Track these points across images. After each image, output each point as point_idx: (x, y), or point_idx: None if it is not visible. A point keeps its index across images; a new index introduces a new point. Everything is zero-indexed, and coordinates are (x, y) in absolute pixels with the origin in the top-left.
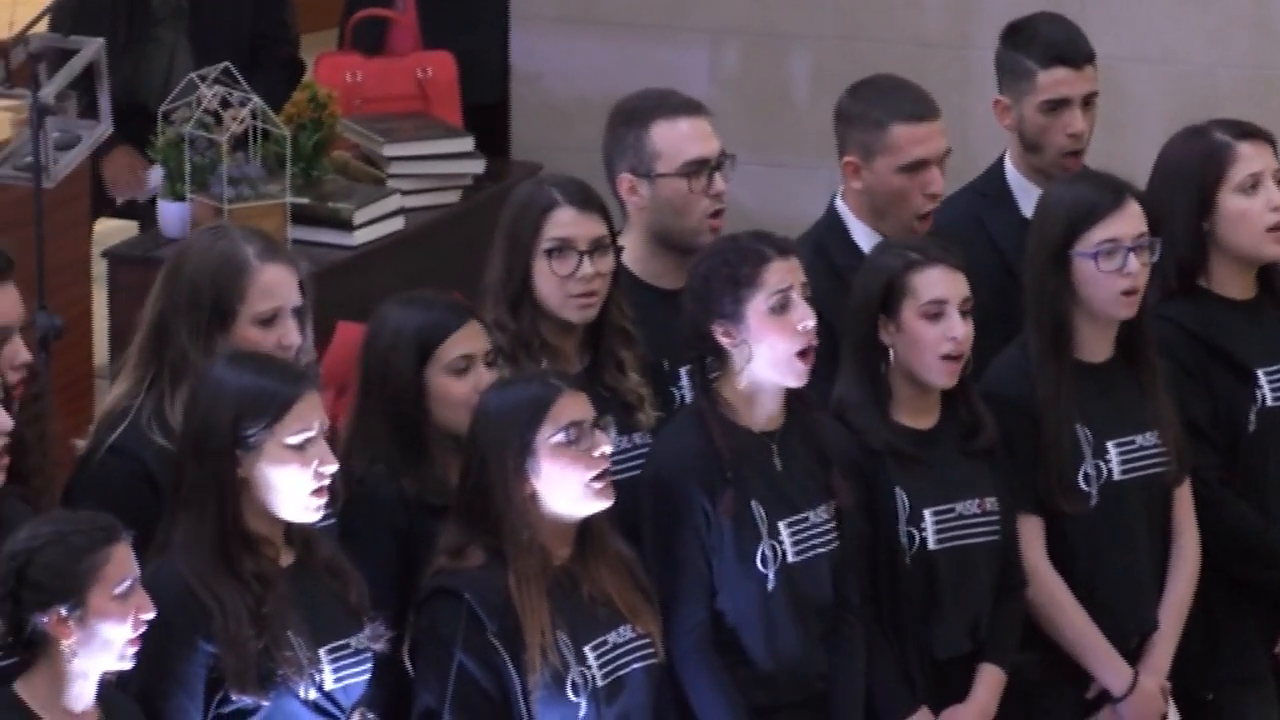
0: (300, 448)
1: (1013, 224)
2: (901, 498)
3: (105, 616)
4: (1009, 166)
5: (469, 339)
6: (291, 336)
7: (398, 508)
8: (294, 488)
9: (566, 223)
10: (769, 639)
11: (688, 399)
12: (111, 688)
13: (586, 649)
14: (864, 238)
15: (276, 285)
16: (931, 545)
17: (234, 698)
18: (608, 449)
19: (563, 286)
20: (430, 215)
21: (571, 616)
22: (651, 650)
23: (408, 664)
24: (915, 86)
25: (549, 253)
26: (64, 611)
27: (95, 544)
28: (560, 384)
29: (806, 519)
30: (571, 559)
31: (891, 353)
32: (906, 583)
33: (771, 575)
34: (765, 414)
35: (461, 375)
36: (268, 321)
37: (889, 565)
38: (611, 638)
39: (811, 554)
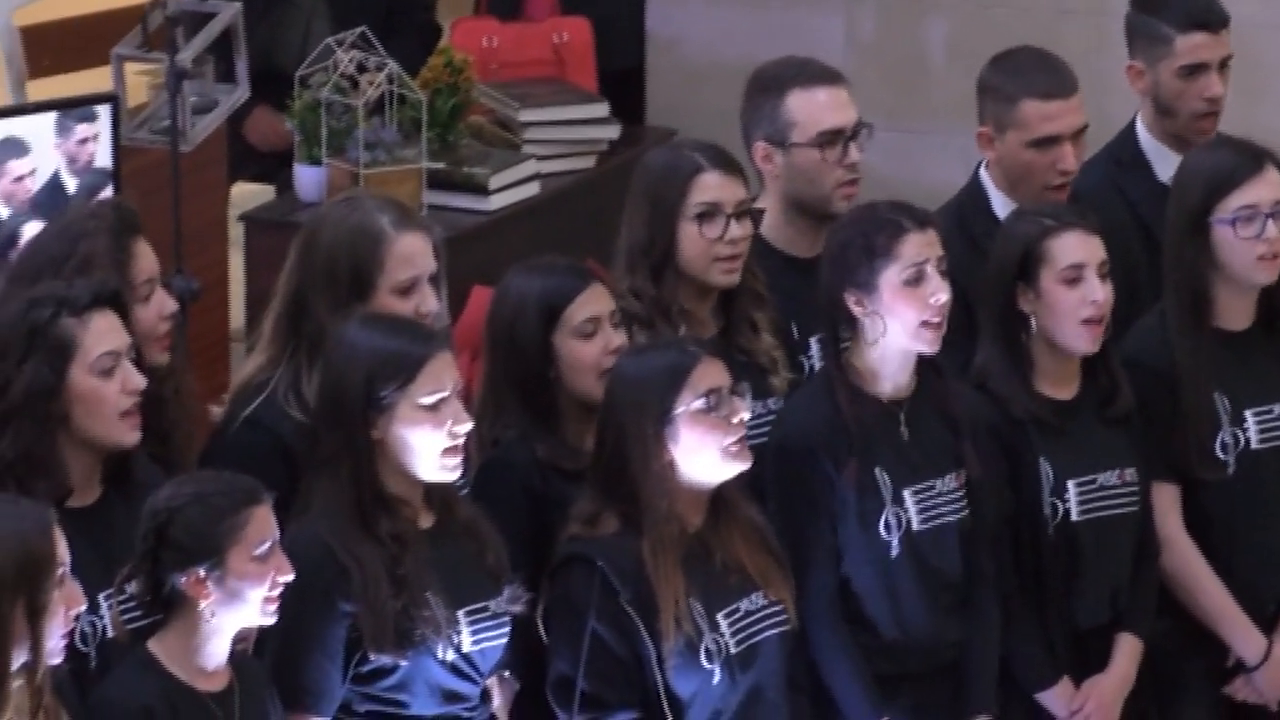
0: (434, 408)
1: (1150, 190)
2: (1046, 469)
3: (244, 577)
4: (1142, 131)
5: (594, 301)
6: (429, 304)
7: (530, 472)
8: (429, 448)
9: (714, 186)
10: (894, 607)
11: (817, 369)
12: (242, 650)
13: (719, 616)
14: (1002, 208)
15: (413, 254)
16: (1074, 517)
17: (372, 658)
18: (745, 415)
19: (710, 250)
20: (565, 180)
21: (705, 584)
22: (784, 617)
23: (541, 630)
24: (1056, 61)
25: (698, 217)
26: (203, 572)
27: (236, 505)
28: (698, 350)
29: (933, 487)
30: (704, 526)
31: (1032, 321)
32: (1049, 554)
33: (895, 543)
34: (894, 383)
35: (589, 338)
36: (406, 290)
37: (1031, 536)
38: (744, 605)
39: (938, 522)
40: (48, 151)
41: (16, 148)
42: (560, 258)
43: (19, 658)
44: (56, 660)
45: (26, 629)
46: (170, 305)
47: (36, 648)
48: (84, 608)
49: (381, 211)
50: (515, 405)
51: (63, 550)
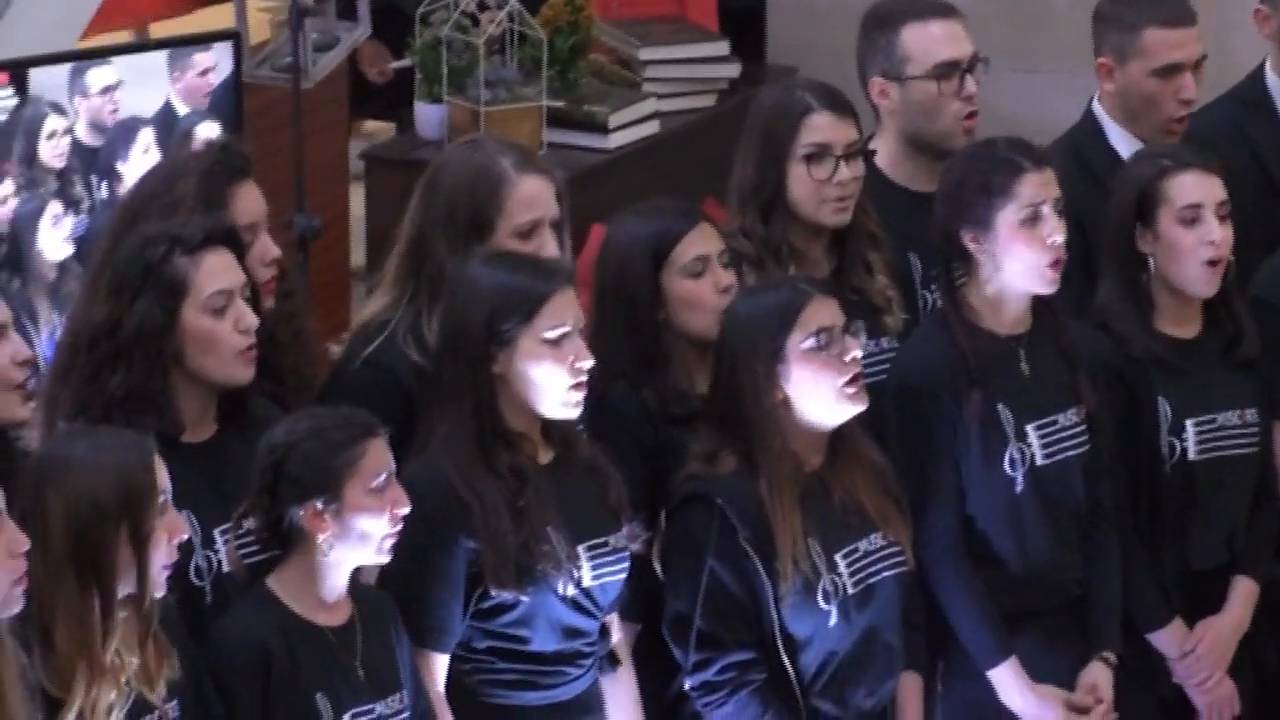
0: (556, 343)
1: (1272, 131)
2: (1164, 407)
3: (361, 511)
4: (1270, 75)
5: (702, 240)
6: (549, 248)
7: (641, 420)
8: (551, 383)
9: (823, 127)
10: (1019, 542)
11: (938, 304)
12: (362, 582)
13: (837, 557)
14: (1120, 141)
15: (535, 197)
16: (1192, 455)
17: (493, 593)
18: (858, 354)
19: (819, 191)
20: (685, 119)
21: (823, 524)
22: (902, 558)
23: (659, 569)
24: None
25: (807, 158)
26: (320, 505)
27: (352, 439)
28: (810, 289)
29: (1055, 422)
30: (823, 466)
31: (1151, 261)
32: (1165, 492)
33: (1020, 478)
34: (1011, 318)
35: (698, 277)
36: (525, 234)
37: (1148, 474)
38: (862, 545)
39: (1061, 457)
40: (162, 86)
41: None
42: (668, 199)
43: (124, 588)
44: (161, 591)
45: (131, 559)
46: (273, 251)
47: (142, 578)
48: (186, 535)
49: (504, 154)
50: (623, 350)
51: (164, 479)
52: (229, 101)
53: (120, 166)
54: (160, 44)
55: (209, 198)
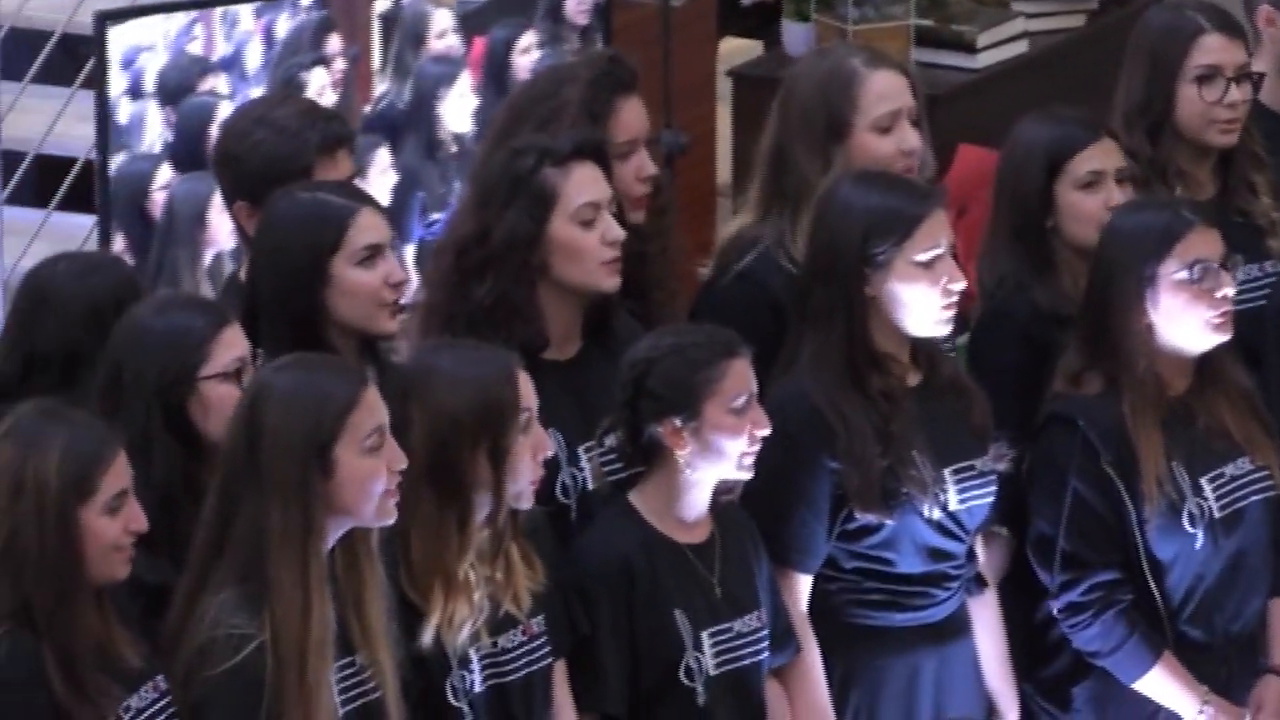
0: (929, 264)
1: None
2: None
3: (720, 430)
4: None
5: (1101, 155)
6: (910, 140)
7: (1030, 321)
8: (923, 304)
9: (1215, 49)
10: None
11: None
12: (728, 501)
13: (1203, 480)
14: None
15: (888, 90)
16: None
17: (858, 516)
18: (1229, 291)
19: (1208, 112)
20: (1054, 39)
21: (1188, 448)
22: (1270, 482)
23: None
24: None
25: (1198, 79)
26: (679, 422)
27: (714, 357)
28: (1193, 218)
29: None
30: (1189, 391)
31: None
32: None
33: None
34: None
35: (1091, 190)
36: (885, 129)
37: None
38: (1229, 470)
39: None
40: None
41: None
42: (1075, 109)
43: (483, 505)
44: (526, 505)
45: (490, 476)
46: (650, 168)
47: (498, 493)
48: (552, 452)
49: (853, 54)
50: (1011, 252)
51: (529, 396)
52: (600, 18)
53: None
54: None
55: (593, 107)
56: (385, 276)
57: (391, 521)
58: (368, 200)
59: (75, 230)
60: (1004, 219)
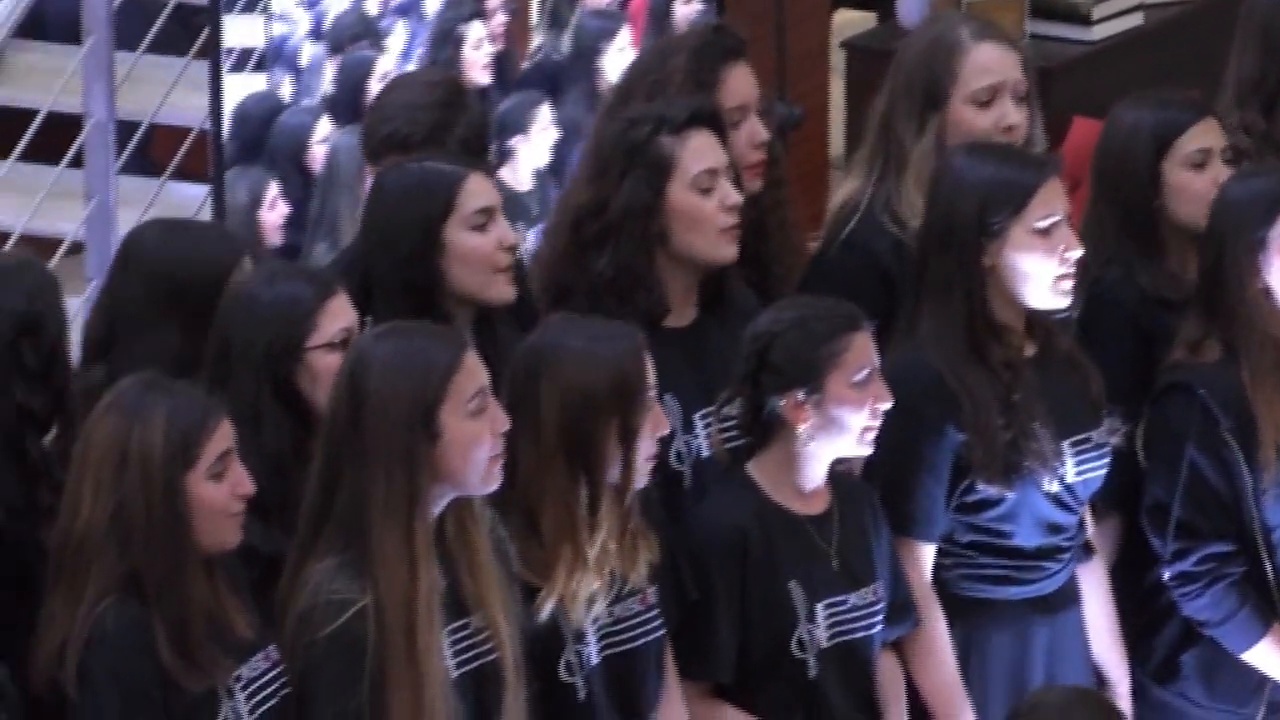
0: (1046, 233)
1: None
2: None
3: (842, 403)
4: None
5: (1207, 133)
6: (1010, 117)
7: (1137, 306)
8: (1041, 273)
9: None
10: None
11: None
12: (846, 471)
13: None
14: None
15: (991, 63)
16: None
17: (978, 487)
18: None
19: None
20: (1170, 11)
21: None
22: None
23: (1141, 458)
24: None
25: None
26: (801, 396)
27: (836, 330)
28: None
29: None
30: None
31: None
32: None
33: None
34: None
35: (1199, 169)
36: (984, 103)
37: None
38: None
39: None
40: None
41: None
42: (1175, 89)
43: (611, 479)
44: (643, 482)
45: (619, 451)
46: (761, 134)
47: (628, 469)
48: (669, 430)
49: (963, 24)
50: (1118, 235)
51: (651, 374)
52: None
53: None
54: None
55: (699, 76)
56: (498, 240)
57: (495, 489)
58: (476, 165)
59: (189, 199)
60: (1108, 202)
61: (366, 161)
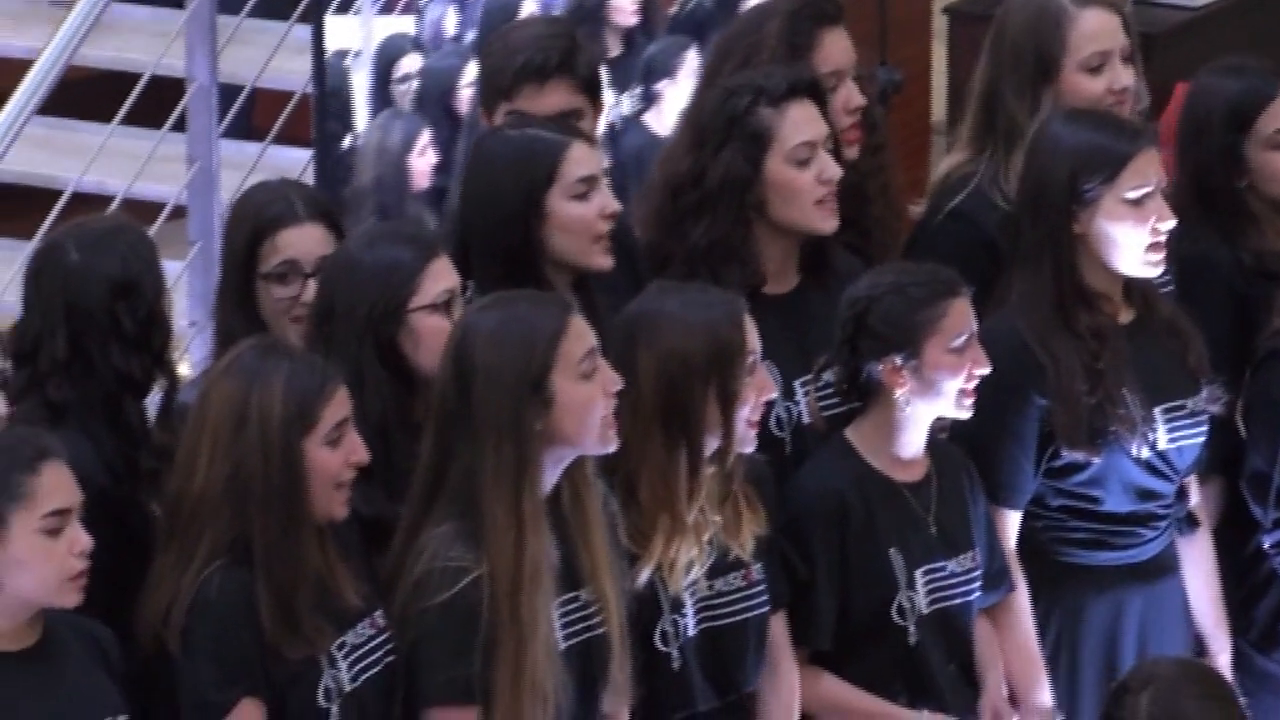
0: (1138, 202)
1: None
2: None
3: (939, 368)
4: None
5: None
6: (1122, 80)
7: (1234, 274)
8: (1131, 242)
9: None
10: None
11: None
12: (942, 439)
13: None
14: None
15: (1098, 29)
16: None
17: (1064, 453)
18: None
19: None
20: None
21: None
22: None
23: (1241, 427)
24: None
25: None
26: (899, 361)
27: (934, 296)
28: None
29: None
30: None
31: None
32: None
33: None
34: None
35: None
36: (1095, 69)
37: None
38: None
39: None
40: None
41: None
42: (1256, 60)
43: (710, 446)
44: (749, 448)
45: (718, 417)
46: (857, 99)
47: (728, 435)
48: (774, 395)
49: None
50: (1199, 216)
51: (753, 339)
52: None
53: None
54: None
55: (794, 40)
56: (600, 209)
57: (613, 448)
58: (578, 133)
59: (291, 164)
60: (1189, 180)
61: (482, 106)
